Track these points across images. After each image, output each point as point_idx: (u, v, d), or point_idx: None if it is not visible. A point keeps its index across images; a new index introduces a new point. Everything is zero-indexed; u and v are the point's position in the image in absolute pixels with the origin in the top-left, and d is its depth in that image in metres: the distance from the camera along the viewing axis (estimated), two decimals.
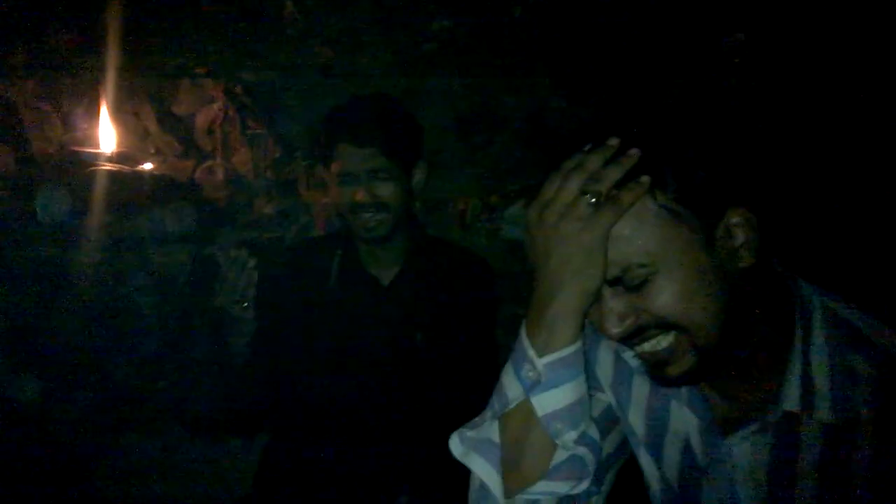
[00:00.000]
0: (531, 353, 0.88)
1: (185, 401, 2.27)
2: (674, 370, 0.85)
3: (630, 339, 0.85)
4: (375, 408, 1.76)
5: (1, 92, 2.08)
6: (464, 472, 0.98)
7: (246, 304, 1.65)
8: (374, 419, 1.76)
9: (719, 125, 0.88)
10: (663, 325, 0.83)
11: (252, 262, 1.64)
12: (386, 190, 1.70)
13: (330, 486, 1.76)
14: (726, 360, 0.87)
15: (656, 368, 0.87)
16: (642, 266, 0.81)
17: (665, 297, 0.81)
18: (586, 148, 0.85)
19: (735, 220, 0.83)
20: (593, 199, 0.81)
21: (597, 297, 0.85)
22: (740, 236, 0.83)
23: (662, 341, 0.84)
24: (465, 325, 1.80)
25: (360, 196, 1.68)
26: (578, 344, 0.88)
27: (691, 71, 2.30)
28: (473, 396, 1.71)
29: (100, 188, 2.09)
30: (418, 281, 1.80)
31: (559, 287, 0.85)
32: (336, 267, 1.81)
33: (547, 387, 0.87)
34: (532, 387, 0.88)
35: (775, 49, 2.19)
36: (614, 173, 0.81)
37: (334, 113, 1.76)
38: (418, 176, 1.81)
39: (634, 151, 0.81)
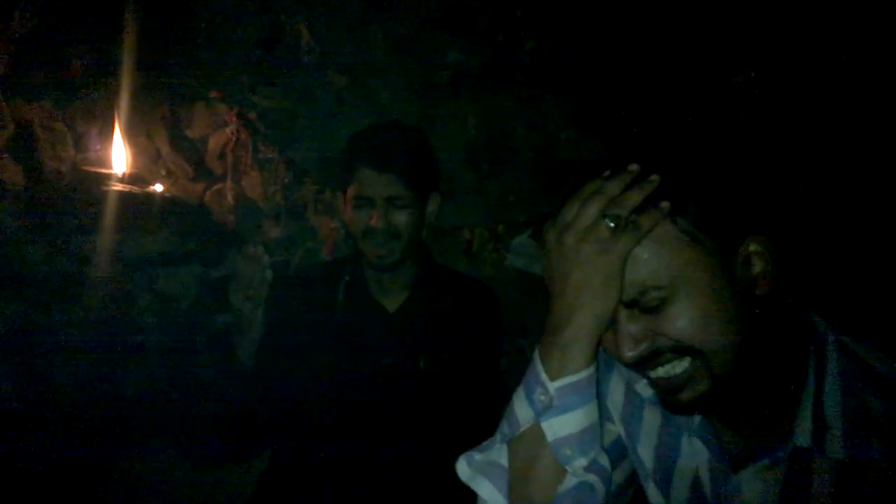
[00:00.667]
0: (544, 376, 0.87)
1: (187, 422, 2.26)
2: (687, 396, 0.85)
3: (644, 363, 0.85)
4: (379, 435, 1.75)
5: (16, 111, 2.10)
6: (469, 500, 0.97)
7: (256, 303, 1.65)
8: (378, 446, 1.75)
9: (738, 153, 0.88)
10: (679, 350, 0.82)
11: (267, 260, 1.65)
12: (401, 218, 1.70)
13: None
14: (739, 391, 0.86)
15: (669, 394, 0.86)
16: (660, 289, 0.81)
17: (682, 320, 0.81)
18: (606, 174, 0.86)
19: (753, 247, 0.83)
20: (612, 224, 0.81)
21: (612, 322, 0.85)
22: (758, 264, 0.83)
23: (677, 367, 0.84)
24: (470, 355, 1.80)
25: (375, 222, 1.69)
26: (592, 369, 0.87)
27: (702, 104, 2.31)
28: (477, 425, 1.71)
29: (111, 208, 2.10)
30: (425, 309, 1.80)
31: (575, 310, 0.85)
32: (342, 292, 1.82)
33: (558, 411, 0.87)
34: (543, 411, 0.88)
35: (787, 81, 2.20)
36: (634, 198, 0.81)
37: (357, 137, 1.78)
38: (432, 205, 1.82)
39: (655, 177, 0.82)
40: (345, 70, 2.41)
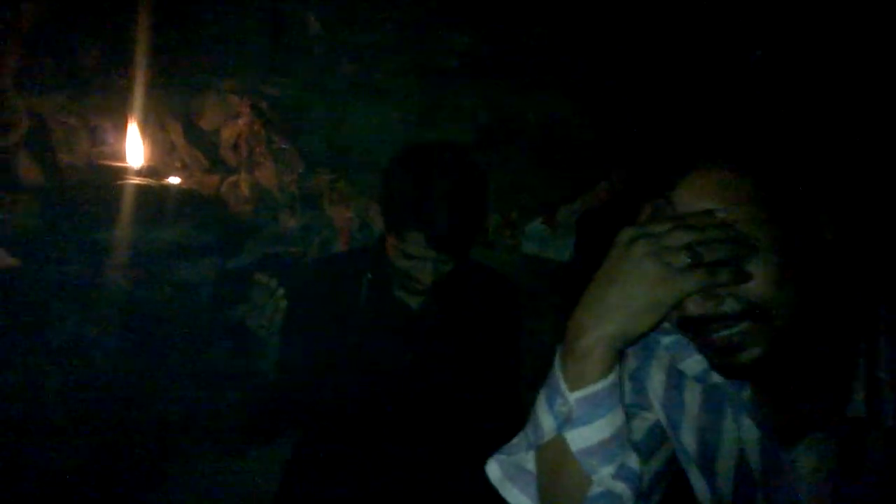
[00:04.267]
0: (563, 386, 0.85)
1: (206, 412, 2.28)
2: (746, 357, 0.82)
3: (706, 323, 0.82)
4: (399, 431, 1.75)
5: (30, 105, 2.09)
6: (491, 498, 0.97)
7: (271, 330, 1.64)
8: (398, 441, 1.75)
9: (803, 121, 0.87)
10: (746, 311, 0.80)
11: (281, 292, 1.61)
12: (447, 268, 1.68)
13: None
14: (796, 357, 0.86)
15: (726, 356, 0.83)
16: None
17: (756, 281, 0.79)
18: (720, 212, 0.80)
19: (824, 216, 0.82)
20: (690, 260, 0.78)
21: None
22: (827, 230, 0.82)
23: (739, 327, 0.81)
24: (491, 349, 1.79)
25: (420, 276, 1.66)
26: (612, 378, 0.84)
27: (713, 85, 2.32)
28: (498, 421, 1.72)
29: (126, 202, 2.10)
30: (448, 305, 1.78)
31: (604, 318, 0.82)
32: (365, 290, 1.78)
33: (580, 423, 0.85)
34: (565, 422, 0.85)
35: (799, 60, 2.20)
36: (724, 251, 0.78)
37: (413, 187, 1.60)
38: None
39: (752, 245, 0.79)
40: (354, 58, 2.41)
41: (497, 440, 1.00)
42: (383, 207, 1.70)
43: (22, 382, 2.16)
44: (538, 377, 0.93)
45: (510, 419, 1.72)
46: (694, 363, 0.97)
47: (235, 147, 2.29)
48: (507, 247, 2.56)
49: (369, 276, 1.76)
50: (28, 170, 2.06)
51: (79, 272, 2.08)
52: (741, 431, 0.94)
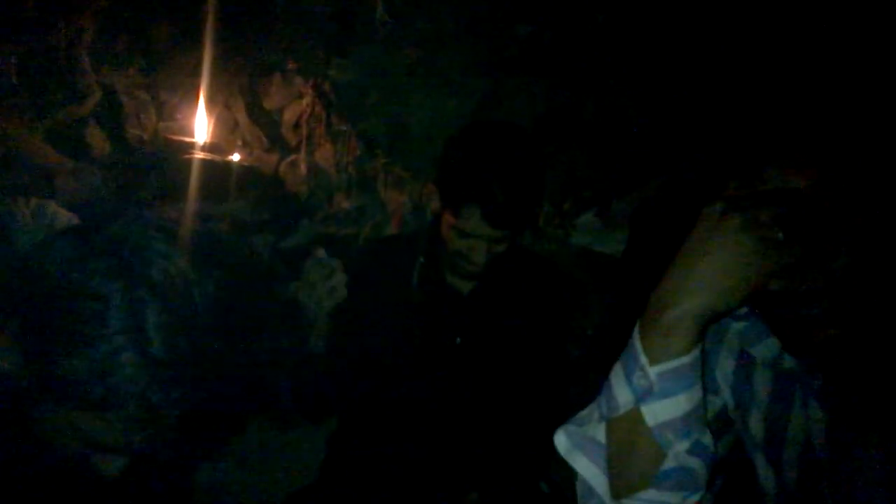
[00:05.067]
0: (643, 359, 0.83)
1: (256, 388, 2.33)
2: (823, 336, 0.81)
3: (788, 301, 0.81)
4: (445, 411, 1.77)
5: (102, 79, 2.16)
6: (531, 475, 0.95)
7: (321, 310, 1.66)
8: (446, 419, 1.77)
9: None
10: (829, 290, 0.79)
11: (337, 278, 1.58)
12: (501, 248, 1.68)
13: (397, 480, 1.77)
14: (869, 344, 0.84)
15: (802, 333, 0.82)
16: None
17: (840, 260, 0.78)
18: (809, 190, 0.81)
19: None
20: (783, 235, 0.77)
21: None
22: None
23: (820, 306, 0.80)
24: (538, 334, 1.80)
25: (474, 256, 1.66)
26: (695, 353, 0.83)
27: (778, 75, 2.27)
28: (543, 402, 1.73)
29: (191, 176, 2.15)
30: (498, 291, 1.80)
31: (689, 292, 0.80)
32: (417, 275, 1.80)
33: (659, 396, 0.83)
34: (643, 395, 0.84)
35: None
36: (814, 228, 0.78)
37: (475, 164, 1.59)
38: None
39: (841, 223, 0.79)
40: (416, 44, 2.42)
41: (542, 425, 1.00)
42: (441, 183, 1.70)
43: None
44: (582, 370, 0.93)
45: (554, 406, 1.74)
46: (766, 348, 0.96)
47: (296, 127, 2.33)
48: (558, 238, 2.55)
49: (421, 259, 1.78)
50: (96, 140, 2.13)
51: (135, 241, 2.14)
52: (810, 418, 0.93)
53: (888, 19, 2.05)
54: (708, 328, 0.86)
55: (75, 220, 2.00)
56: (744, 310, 0.97)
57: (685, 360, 0.83)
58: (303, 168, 2.33)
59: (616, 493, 0.90)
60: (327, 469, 1.87)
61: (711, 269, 0.80)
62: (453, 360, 1.77)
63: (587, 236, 2.62)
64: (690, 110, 2.41)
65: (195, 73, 2.19)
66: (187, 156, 2.11)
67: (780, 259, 0.77)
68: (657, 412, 0.85)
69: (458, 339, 1.77)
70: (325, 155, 2.36)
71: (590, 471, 0.92)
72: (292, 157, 2.34)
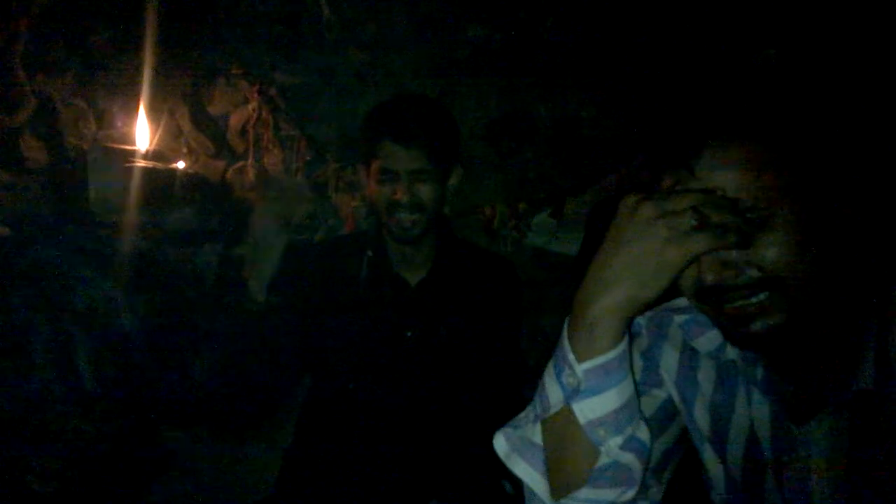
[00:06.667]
0: (571, 357, 0.84)
1: (210, 398, 2.27)
2: (760, 326, 0.81)
3: (723, 293, 0.81)
4: (400, 409, 1.76)
5: (38, 87, 2.09)
6: (492, 476, 0.96)
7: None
8: (400, 421, 1.76)
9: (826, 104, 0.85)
10: (763, 280, 0.80)
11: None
12: (425, 191, 1.70)
13: (355, 489, 1.75)
14: (808, 329, 0.85)
15: (742, 325, 0.82)
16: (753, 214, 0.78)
17: (773, 250, 0.78)
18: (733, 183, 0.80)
19: (842, 190, 0.81)
20: (696, 222, 0.77)
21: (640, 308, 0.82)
22: (845, 205, 0.81)
23: (755, 297, 0.80)
24: (491, 328, 1.80)
25: (400, 196, 1.68)
26: (622, 347, 0.84)
27: (722, 81, 2.28)
28: (499, 400, 1.73)
29: (132, 185, 2.09)
30: (446, 283, 1.80)
31: (610, 285, 0.81)
32: (365, 267, 1.82)
33: (588, 394, 0.84)
34: (572, 394, 0.85)
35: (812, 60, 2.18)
36: (731, 219, 0.77)
37: (380, 110, 1.75)
38: (454, 179, 1.81)
39: (759, 210, 0.78)
40: (366, 47, 2.39)
41: (494, 419, 1.00)
42: (359, 149, 1.81)
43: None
44: (540, 369, 0.93)
45: (509, 396, 1.74)
46: (707, 340, 0.97)
47: (243, 133, 2.28)
48: (513, 239, 2.54)
49: (369, 253, 1.79)
50: (32, 150, 2.06)
51: (84, 256, 2.07)
52: (753, 409, 0.93)
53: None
54: (632, 321, 0.86)
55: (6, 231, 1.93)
56: (685, 303, 0.97)
57: (611, 355, 0.83)
58: (251, 174, 2.28)
59: (555, 494, 0.89)
60: (282, 483, 1.84)
61: (627, 260, 0.80)
62: (405, 355, 1.76)
63: (543, 236, 2.62)
64: (639, 109, 2.42)
65: (136, 79, 2.13)
66: (128, 164, 2.04)
67: (694, 246, 0.77)
68: (587, 410, 0.85)
69: (409, 333, 1.76)
70: (273, 161, 2.31)
71: (528, 474, 0.91)
72: (240, 163, 2.29)
